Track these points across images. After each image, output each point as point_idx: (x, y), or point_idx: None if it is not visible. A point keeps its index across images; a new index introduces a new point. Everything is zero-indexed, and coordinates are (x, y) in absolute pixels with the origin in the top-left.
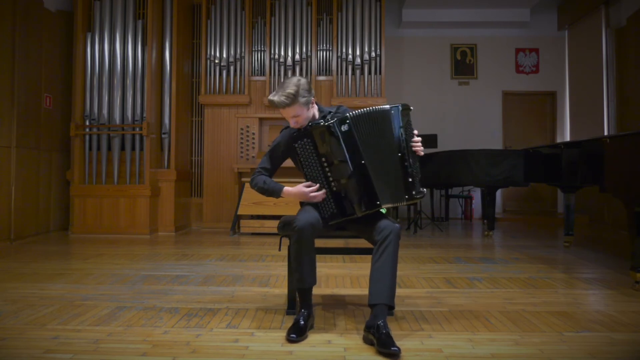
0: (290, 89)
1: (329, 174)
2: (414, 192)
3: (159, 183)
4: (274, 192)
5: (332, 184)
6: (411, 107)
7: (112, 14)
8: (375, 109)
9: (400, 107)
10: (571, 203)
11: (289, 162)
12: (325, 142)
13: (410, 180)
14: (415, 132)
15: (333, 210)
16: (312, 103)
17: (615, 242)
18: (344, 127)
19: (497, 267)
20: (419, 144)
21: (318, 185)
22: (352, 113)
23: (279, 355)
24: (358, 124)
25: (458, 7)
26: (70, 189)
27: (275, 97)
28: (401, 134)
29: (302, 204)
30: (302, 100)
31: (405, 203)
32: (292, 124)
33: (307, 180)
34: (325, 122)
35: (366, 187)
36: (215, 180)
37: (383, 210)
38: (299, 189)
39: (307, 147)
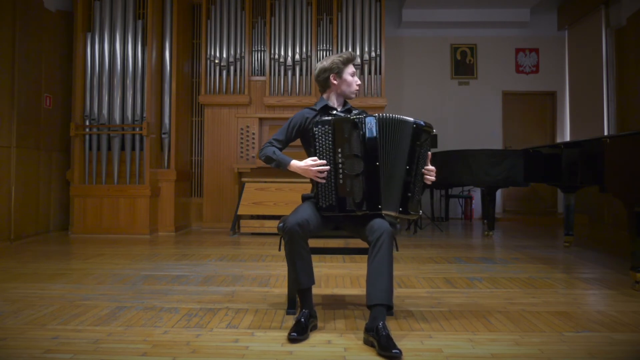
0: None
1: (340, 166)
2: (408, 208)
3: (159, 183)
4: (282, 163)
5: (340, 176)
6: (434, 130)
7: (112, 14)
8: (400, 117)
9: (423, 123)
10: (571, 203)
11: (292, 150)
12: (348, 135)
13: (409, 194)
14: (429, 163)
15: (332, 203)
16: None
17: (615, 242)
18: (370, 125)
19: (497, 267)
20: (432, 173)
21: (325, 162)
22: (380, 115)
23: (279, 355)
24: (383, 126)
25: (458, 7)
26: (70, 189)
27: (347, 54)
28: (415, 149)
29: (302, 199)
30: None
31: (396, 214)
32: (356, 84)
33: None
34: (351, 115)
35: (373, 188)
36: (215, 180)
37: None
38: (306, 162)
39: (326, 135)
